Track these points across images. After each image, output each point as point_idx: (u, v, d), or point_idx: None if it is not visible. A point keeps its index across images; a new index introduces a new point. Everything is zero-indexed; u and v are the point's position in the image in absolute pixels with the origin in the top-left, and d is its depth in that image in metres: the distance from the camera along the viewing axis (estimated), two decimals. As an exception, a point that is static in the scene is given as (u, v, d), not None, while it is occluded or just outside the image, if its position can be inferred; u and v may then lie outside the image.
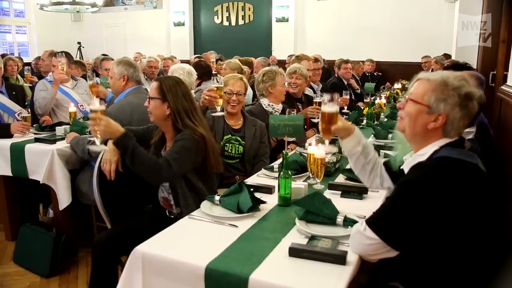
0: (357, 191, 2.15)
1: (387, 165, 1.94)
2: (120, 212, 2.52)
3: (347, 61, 6.17)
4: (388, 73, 9.32)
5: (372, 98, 4.83)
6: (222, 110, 2.70)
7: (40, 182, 3.07)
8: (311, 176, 2.31)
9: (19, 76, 6.53)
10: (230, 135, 3.00)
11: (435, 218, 1.40)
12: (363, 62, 8.54)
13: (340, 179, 2.40)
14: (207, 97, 2.58)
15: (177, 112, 2.27)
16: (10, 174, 3.26)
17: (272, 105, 3.50)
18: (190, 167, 2.27)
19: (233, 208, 1.90)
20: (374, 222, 1.44)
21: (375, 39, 9.65)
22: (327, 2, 10.29)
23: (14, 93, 3.81)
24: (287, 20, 10.65)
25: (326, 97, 1.85)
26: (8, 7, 12.17)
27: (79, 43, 12.49)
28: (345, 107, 4.64)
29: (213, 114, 2.64)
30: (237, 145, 2.99)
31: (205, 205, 1.98)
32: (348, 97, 4.82)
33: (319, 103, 3.73)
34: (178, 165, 2.18)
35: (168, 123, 2.32)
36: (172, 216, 2.39)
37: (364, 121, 4.22)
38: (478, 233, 1.46)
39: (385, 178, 1.95)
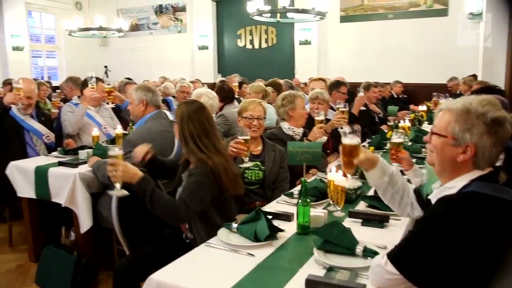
0: (378, 220, 2.09)
1: (417, 192, 1.86)
2: (139, 235, 2.52)
3: (375, 85, 6.09)
4: (413, 95, 9.18)
5: (395, 121, 4.76)
6: (249, 162, 2.68)
7: (62, 205, 3.11)
8: (331, 203, 2.27)
9: (47, 100, 6.72)
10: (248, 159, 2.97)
11: (460, 257, 1.32)
12: (388, 84, 8.46)
13: (361, 206, 2.34)
14: (234, 149, 2.55)
15: (183, 136, 2.32)
16: (34, 196, 3.32)
17: (293, 129, 3.47)
18: (207, 199, 2.26)
19: (250, 236, 1.87)
20: (395, 256, 1.38)
21: (399, 60, 9.59)
22: (350, 24, 10.31)
23: (43, 119, 4.01)
24: (309, 43, 10.69)
25: (347, 129, 1.78)
26: (40, 34, 12.61)
27: (105, 66, 12.79)
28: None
29: (241, 166, 2.63)
30: (257, 171, 2.96)
31: (222, 232, 1.96)
32: (363, 95, 4.77)
33: (344, 112, 3.71)
34: (195, 203, 2.19)
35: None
36: (188, 241, 2.38)
37: (388, 145, 4.15)
38: (507, 274, 1.37)
39: (416, 207, 1.85)
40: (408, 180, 2.57)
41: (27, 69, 11.23)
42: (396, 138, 2.74)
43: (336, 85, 4.99)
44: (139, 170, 2.19)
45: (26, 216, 3.49)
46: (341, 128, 3.49)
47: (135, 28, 12.99)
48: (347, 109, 3.76)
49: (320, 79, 5.19)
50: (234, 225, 1.97)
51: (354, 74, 9.13)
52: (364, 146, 4.10)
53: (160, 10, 12.82)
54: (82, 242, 3.20)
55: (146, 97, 3.17)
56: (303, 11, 6.87)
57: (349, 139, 1.77)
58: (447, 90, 8.00)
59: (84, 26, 8.60)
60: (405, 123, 4.56)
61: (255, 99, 3.34)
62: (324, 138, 3.43)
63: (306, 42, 10.73)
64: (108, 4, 11.45)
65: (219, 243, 1.87)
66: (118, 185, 2.16)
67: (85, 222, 3.07)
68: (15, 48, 10.99)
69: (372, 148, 3.17)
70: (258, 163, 2.97)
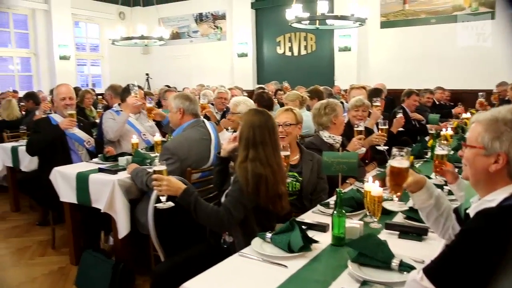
0: (416, 232, 2.02)
1: (456, 213, 1.77)
2: (175, 242, 2.55)
3: (418, 93, 5.93)
4: (462, 102, 8.79)
5: (437, 130, 4.61)
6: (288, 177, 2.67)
7: (101, 211, 3.18)
8: (368, 214, 2.21)
9: (92, 108, 6.93)
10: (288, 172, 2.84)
11: (500, 273, 1.25)
12: (431, 91, 8.17)
13: (399, 218, 2.27)
14: None
15: (240, 139, 2.37)
16: (75, 201, 3.41)
17: (333, 137, 3.40)
18: (250, 207, 2.28)
19: (284, 247, 1.85)
20: (432, 271, 1.33)
21: (442, 66, 9.33)
22: (391, 30, 10.15)
23: (81, 124, 4.11)
24: (349, 50, 10.58)
25: (395, 150, 1.71)
26: (85, 43, 13.08)
27: (147, 74, 13.11)
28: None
29: None
30: (294, 182, 2.86)
31: (256, 242, 1.94)
32: (402, 116, 4.68)
33: (383, 129, 3.64)
34: (238, 210, 2.22)
35: None
36: (225, 246, 2.38)
37: (429, 154, 4.02)
38: None
39: (456, 228, 1.75)
40: (450, 192, 2.49)
41: (73, 78, 11.67)
42: (440, 150, 2.65)
43: (375, 93, 4.92)
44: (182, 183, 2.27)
45: (67, 220, 3.59)
46: (379, 146, 3.43)
47: (175, 36, 13.26)
48: (387, 126, 3.69)
49: (361, 87, 5.10)
50: (268, 235, 1.95)
51: (395, 81, 8.97)
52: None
53: (200, 18, 13.04)
54: (120, 247, 3.26)
55: (183, 106, 3.20)
56: (342, 17, 6.80)
57: (398, 162, 1.69)
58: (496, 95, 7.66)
59: (126, 35, 8.83)
60: (447, 132, 4.41)
61: (286, 106, 3.30)
62: (363, 149, 3.37)
63: (346, 49, 10.63)
64: (150, 13, 11.74)
65: (253, 253, 1.86)
66: (163, 198, 2.23)
67: (123, 228, 3.13)
68: (62, 58, 11.45)
69: (412, 157, 3.08)
70: (296, 174, 2.87)
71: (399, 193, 1.76)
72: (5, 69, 11.28)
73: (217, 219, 2.21)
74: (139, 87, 4.48)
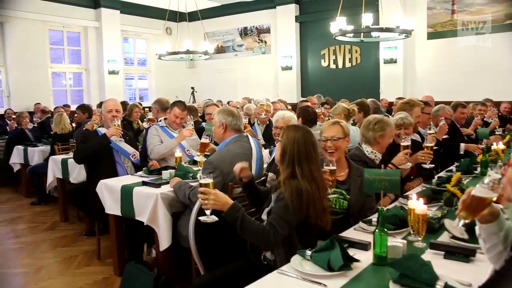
0: (463, 253, 1.92)
1: None
2: (215, 256, 2.55)
3: (465, 106, 5.72)
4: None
5: (487, 144, 4.42)
6: (334, 193, 2.61)
7: (144, 224, 3.23)
8: (411, 232, 2.13)
9: (139, 121, 7.12)
10: (333, 188, 2.69)
11: None
12: (483, 103, 7.83)
13: (445, 237, 2.18)
14: None
15: (283, 155, 2.31)
16: (120, 214, 3.49)
17: (375, 153, 3.32)
18: (294, 224, 2.24)
19: (324, 265, 1.81)
20: None
21: (493, 77, 8.97)
22: (438, 41, 9.89)
23: (127, 138, 4.23)
24: (395, 62, 10.38)
25: (488, 179, 1.51)
26: (133, 58, 13.52)
27: (192, 88, 13.34)
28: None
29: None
30: (341, 200, 2.72)
31: (295, 259, 1.92)
32: (445, 122, 4.53)
33: (428, 147, 3.53)
34: (283, 228, 2.18)
35: None
36: (266, 262, 2.36)
37: (478, 169, 3.85)
38: None
39: None
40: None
41: (121, 91, 12.07)
42: (493, 174, 2.51)
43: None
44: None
45: (112, 232, 3.69)
46: (425, 164, 3.32)
47: (220, 50, 13.48)
48: (432, 144, 3.56)
49: (420, 105, 4.86)
50: (308, 252, 1.92)
51: (443, 93, 8.72)
52: (451, 170, 3.88)
53: (245, 32, 13.20)
54: (162, 260, 3.30)
55: (226, 121, 3.21)
56: (388, 29, 6.70)
57: (484, 192, 1.50)
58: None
59: (173, 50, 9.02)
60: (498, 146, 4.22)
61: (334, 120, 3.24)
62: (409, 165, 3.26)
63: (392, 61, 10.45)
64: (196, 28, 11.98)
65: (291, 271, 1.83)
66: (208, 212, 2.20)
67: (164, 241, 3.16)
68: (111, 72, 11.90)
69: (458, 173, 2.96)
70: (343, 191, 2.74)
71: (468, 221, 1.59)
72: (59, 84, 11.80)
73: (263, 237, 2.16)
74: (180, 102, 4.57)
